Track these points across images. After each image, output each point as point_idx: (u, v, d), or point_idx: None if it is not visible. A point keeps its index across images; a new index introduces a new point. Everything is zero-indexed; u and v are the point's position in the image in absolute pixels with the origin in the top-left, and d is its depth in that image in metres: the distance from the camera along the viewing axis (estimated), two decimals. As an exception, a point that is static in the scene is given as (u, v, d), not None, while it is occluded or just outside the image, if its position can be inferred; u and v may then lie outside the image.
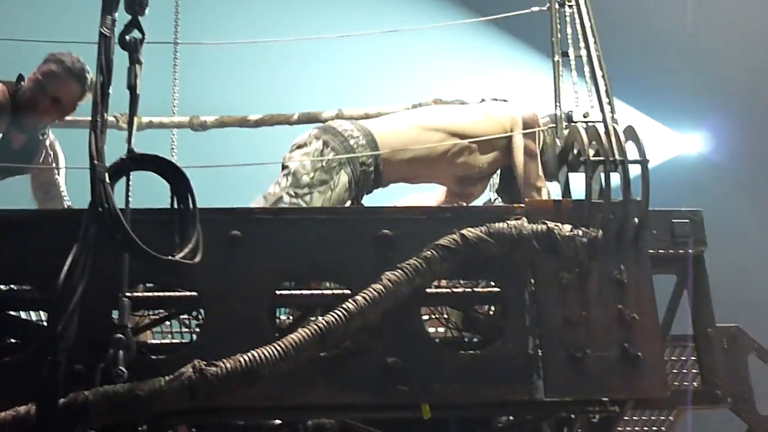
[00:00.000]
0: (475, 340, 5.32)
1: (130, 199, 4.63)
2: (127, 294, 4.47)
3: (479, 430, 5.36)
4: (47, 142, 6.66)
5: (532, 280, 4.85)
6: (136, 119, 4.78)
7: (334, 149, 5.93)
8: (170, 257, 4.50)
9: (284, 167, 5.91)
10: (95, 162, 4.37)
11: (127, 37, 4.73)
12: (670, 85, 10.48)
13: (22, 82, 6.37)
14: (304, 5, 9.75)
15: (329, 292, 5.03)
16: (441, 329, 5.43)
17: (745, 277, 9.68)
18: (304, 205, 5.73)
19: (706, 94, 10.65)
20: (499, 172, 6.29)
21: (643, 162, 4.94)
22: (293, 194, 5.76)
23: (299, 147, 6.01)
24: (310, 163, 5.84)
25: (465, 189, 6.35)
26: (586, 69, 5.34)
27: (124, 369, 4.31)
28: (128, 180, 4.66)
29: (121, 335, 4.35)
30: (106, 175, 4.40)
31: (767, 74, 10.53)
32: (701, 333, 5.36)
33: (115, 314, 4.46)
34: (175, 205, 4.71)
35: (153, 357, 4.73)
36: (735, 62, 10.61)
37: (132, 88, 4.77)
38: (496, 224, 4.84)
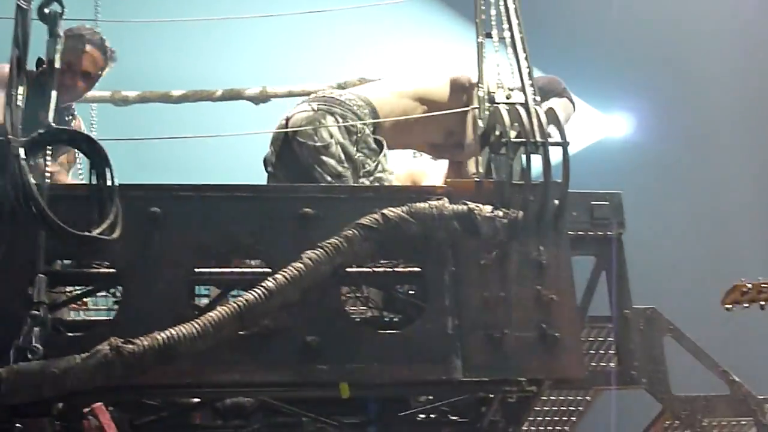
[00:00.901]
0: (395, 319, 5.32)
1: (47, 173, 4.57)
2: (44, 270, 4.42)
3: (398, 410, 5.37)
4: (74, 124, 6.50)
5: (453, 261, 4.86)
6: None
7: (353, 119, 5.91)
8: (87, 233, 4.46)
9: (303, 145, 5.84)
10: (10, 136, 4.31)
11: (46, 10, 4.67)
12: (595, 64, 10.54)
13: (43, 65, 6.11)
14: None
15: (249, 270, 5.00)
16: (361, 308, 5.43)
17: (664, 259, 9.79)
18: (382, 173, 5.78)
19: (630, 74, 10.73)
20: None
21: (564, 144, 4.97)
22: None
23: (310, 124, 5.89)
24: (343, 136, 5.81)
25: (442, 155, 6.35)
26: (510, 50, 5.34)
27: (39, 346, 4.27)
28: (45, 154, 4.61)
29: (36, 311, 4.30)
30: (22, 149, 4.34)
31: (690, 55, 10.62)
32: (618, 314, 5.41)
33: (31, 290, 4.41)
34: (94, 181, 4.66)
35: (69, 334, 4.68)
36: (659, 42, 10.69)
37: (51, 62, 4.72)
38: (418, 204, 4.84)
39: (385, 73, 7.31)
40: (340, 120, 5.88)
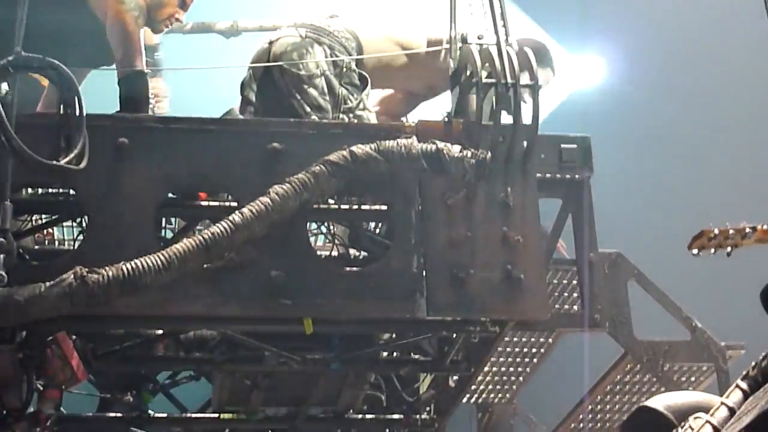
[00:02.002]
0: (361, 256, 5.33)
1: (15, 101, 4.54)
2: (10, 198, 4.39)
3: (361, 347, 5.39)
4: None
5: (420, 200, 4.86)
6: None
7: (341, 52, 5.77)
8: (55, 162, 4.44)
9: (285, 72, 5.68)
10: (-22, 63, 4.28)
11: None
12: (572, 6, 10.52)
13: None
14: None
15: (216, 203, 5.00)
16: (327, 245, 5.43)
17: (633, 204, 9.82)
18: (362, 111, 5.66)
19: (603, 14, 10.69)
20: None
21: (534, 86, 4.97)
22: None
23: (296, 50, 5.74)
24: (329, 67, 5.67)
25: (417, 104, 6.32)
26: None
27: (3, 273, 4.25)
28: (15, 82, 4.58)
29: (1, 239, 4.28)
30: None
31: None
32: (583, 257, 5.44)
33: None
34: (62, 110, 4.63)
35: (34, 262, 4.68)
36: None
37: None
38: (386, 142, 4.84)
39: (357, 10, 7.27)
40: (328, 51, 5.74)
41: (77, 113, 4.61)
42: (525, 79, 5.00)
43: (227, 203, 4.88)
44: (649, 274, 5.77)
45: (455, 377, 5.84)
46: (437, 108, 5.82)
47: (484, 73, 5.04)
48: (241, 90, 5.85)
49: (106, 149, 4.71)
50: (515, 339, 6.42)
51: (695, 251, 5.04)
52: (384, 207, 5.03)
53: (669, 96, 10.32)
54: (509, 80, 4.96)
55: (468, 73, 5.14)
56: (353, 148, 4.79)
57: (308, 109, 5.56)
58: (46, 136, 4.58)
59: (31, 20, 4.88)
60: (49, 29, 5.36)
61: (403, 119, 6.10)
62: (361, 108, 5.67)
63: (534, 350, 6.58)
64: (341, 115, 5.60)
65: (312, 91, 5.62)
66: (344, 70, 5.72)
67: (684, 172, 10.12)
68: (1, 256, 4.27)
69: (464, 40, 5.25)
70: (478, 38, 5.19)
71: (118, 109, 5.37)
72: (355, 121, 5.55)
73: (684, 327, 5.90)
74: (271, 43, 5.83)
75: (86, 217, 4.78)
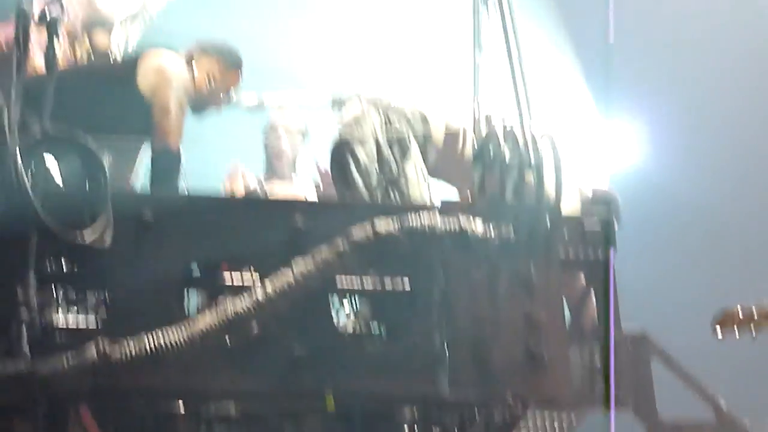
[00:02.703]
0: (383, 333, 5.32)
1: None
2: (34, 273, 4.42)
3: (383, 425, 5.36)
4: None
5: (443, 277, 4.87)
6: None
7: (396, 120, 6.04)
8: (79, 239, 4.47)
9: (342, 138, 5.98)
10: (7, 138, 4.32)
11: (47, 14, 4.69)
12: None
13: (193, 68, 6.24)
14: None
15: (239, 279, 5.00)
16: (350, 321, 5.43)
17: (657, 282, 9.78)
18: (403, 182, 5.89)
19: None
20: None
21: (557, 165, 4.99)
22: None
23: (355, 118, 6.05)
24: (383, 133, 5.95)
25: None
26: (507, 70, 5.36)
27: (27, 347, 4.27)
28: (43, 157, 4.62)
29: (24, 312, 4.31)
30: (19, 150, 4.36)
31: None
32: (607, 336, 5.42)
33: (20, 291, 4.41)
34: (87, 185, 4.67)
35: (57, 337, 4.69)
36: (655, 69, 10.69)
37: (50, 64, 4.75)
38: (410, 220, 4.85)
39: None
40: (384, 118, 6.00)
41: (102, 189, 4.65)
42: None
43: (250, 279, 4.89)
44: (673, 352, 5.74)
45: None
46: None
47: (507, 152, 5.08)
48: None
49: (131, 225, 4.74)
50: (538, 418, 6.37)
51: (720, 333, 5.02)
52: (407, 283, 5.03)
53: (696, 173, 10.31)
54: (532, 160, 4.99)
55: (491, 152, 5.17)
56: (376, 225, 4.81)
57: (355, 174, 5.82)
58: (71, 209, 4.62)
59: (80, 94, 5.04)
60: (98, 104, 5.52)
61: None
62: (402, 178, 5.84)
63: (557, 429, 6.52)
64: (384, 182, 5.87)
65: (362, 155, 5.88)
66: (396, 137, 5.92)
67: (710, 251, 10.08)
68: (24, 330, 4.30)
69: (488, 120, 5.29)
70: (501, 117, 5.23)
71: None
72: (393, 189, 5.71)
73: (709, 407, 5.85)
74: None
75: (109, 292, 4.81)
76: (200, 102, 6.08)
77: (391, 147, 5.94)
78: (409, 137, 6.00)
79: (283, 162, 7.29)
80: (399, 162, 5.91)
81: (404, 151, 5.94)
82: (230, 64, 6.25)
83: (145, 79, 5.81)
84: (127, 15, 6.80)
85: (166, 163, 5.64)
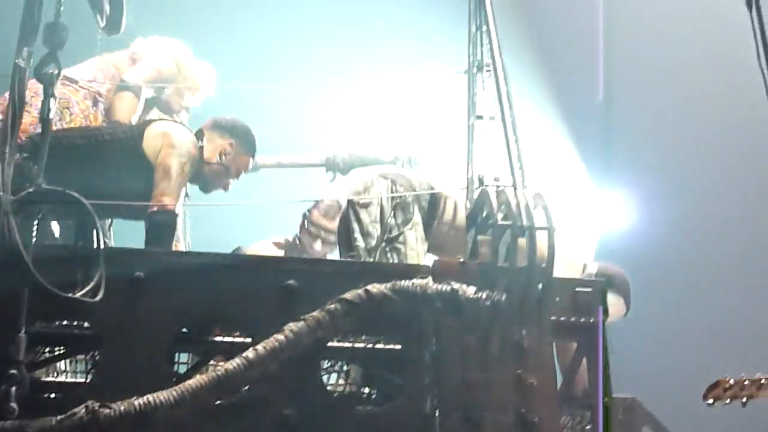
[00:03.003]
0: (374, 395, 5.30)
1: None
2: (24, 329, 4.40)
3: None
4: None
5: (434, 340, 4.85)
6: None
7: (403, 185, 6.22)
8: (71, 294, 4.45)
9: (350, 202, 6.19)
10: (0, 193, 4.31)
11: (44, 70, 4.70)
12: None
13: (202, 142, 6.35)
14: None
15: (230, 339, 4.99)
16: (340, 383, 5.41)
17: (648, 349, 9.76)
18: (401, 245, 6.02)
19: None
20: None
21: (550, 229, 4.99)
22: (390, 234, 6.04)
23: (363, 183, 6.30)
24: (388, 200, 6.10)
25: None
26: (500, 133, 5.37)
27: (15, 405, 4.24)
28: (36, 213, 4.61)
29: (14, 371, 4.28)
30: (11, 206, 4.35)
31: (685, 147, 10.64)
32: (598, 402, 5.39)
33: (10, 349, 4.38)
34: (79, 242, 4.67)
35: (46, 395, 4.65)
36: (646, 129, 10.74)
37: (45, 120, 4.75)
38: (402, 282, 4.84)
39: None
40: (390, 184, 6.21)
41: (95, 246, 4.64)
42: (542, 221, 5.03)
43: (241, 339, 4.87)
44: (664, 419, 5.72)
45: None
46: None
47: (500, 215, 5.08)
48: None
49: (122, 282, 4.73)
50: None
51: (710, 401, 5.01)
52: (398, 346, 5.02)
53: (688, 237, 10.32)
54: (525, 222, 4.99)
55: (484, 214, 5.18)
56: (369, 287, 4.80)
57: (357, 235, 6.03)
58: (62, 267, 4.60)
59: (87, 157, 5.09)
60: (104, 167, 5.76)
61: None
62: (400, 242, 5.98)
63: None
64: (383, 244, 6.01)
65: (365, 217, 6.09)
66: (400, 200, 6.10)
67: (702, 318, 10.07)
68: (13, 388, 4.27)
69: (481, 182, 5.30)
70: (495, 180, 5.24)
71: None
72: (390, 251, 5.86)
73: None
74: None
75: (99, 350, 4.78)
76: (208, 178, 6.19)
77: (394, 211, 6.02)
78: (412, 205, 6.08)
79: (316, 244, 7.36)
80: (400, 226, 5.99)
81: (407, 216, 6.02)
82: (243, 147, 6.35)
83: (149, 142, 5.97)
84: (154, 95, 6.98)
85: (162, 223, 5.70)
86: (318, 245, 7.19)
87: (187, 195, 6.61)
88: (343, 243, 6.29)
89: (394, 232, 6.01)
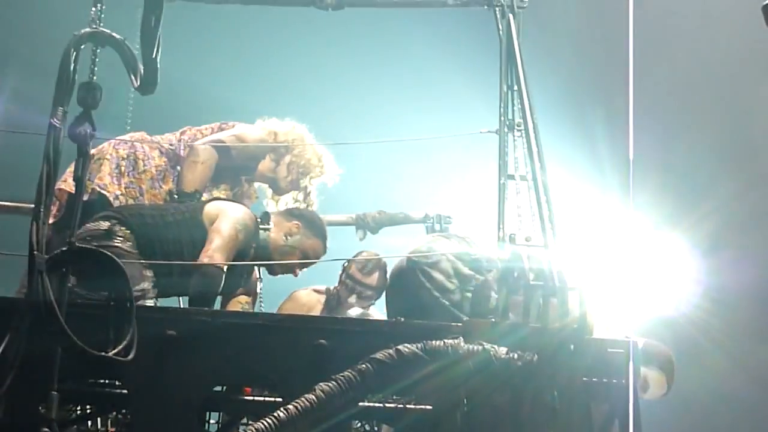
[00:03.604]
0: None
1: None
2: (57, 387, 4.41)
3: None
4: None
5: (465, 401, 4.83)
6: None
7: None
8: (103, 353, 4.46)
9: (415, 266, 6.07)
10: (35, 252, 4.33)
11: (78, 130, 4.73)
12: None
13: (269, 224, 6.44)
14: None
15: (261, 398, 4.99)
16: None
17: (680, 413, 9.70)
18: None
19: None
20: None
21: (581, 289, 4.97)
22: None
23: (426, 245, 6.27)
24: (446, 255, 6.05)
25: None
26: (531, 193, 5.38)
27: (47, 463, 4.24)
28: (68, 272, 4.63)
29: (47, 429, 4.28)
30: (45, 265, 4.36)
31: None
32: (630, 463, 5.36)
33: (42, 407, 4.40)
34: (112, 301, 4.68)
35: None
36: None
37: (79, 180, 4.77)
38: (433, 342, 4.84)
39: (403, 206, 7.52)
40: (455, 243, 6.17)
41: (127, 305, 4.66)
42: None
43: (272, 399, 4.87)
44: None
45: None
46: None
47: (531, 275, 5.07)
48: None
49: (154, 341, 4.74)
50: None
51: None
52: (429, 406, 5.00)
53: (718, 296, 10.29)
54: (556, 282, 4.98)
55: (515, 274, 5.17)
56: (400, 347, 4.79)
57: (436, 293, 5.91)
58: (95, 325, 4.61)
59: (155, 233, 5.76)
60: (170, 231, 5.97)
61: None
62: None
63: None
64: (466, 293, 5.92)
65: (437, 276, 5.97)
66: (471, 258, 6.06)
67: (735, 380, 10.00)
68: (46, 446, 4.27)
69: (512, 241, 5.30)
70: (526, 240, 5.24)
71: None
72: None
73: None
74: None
75: (130, 409, 4.79)
76: (275, 261, 6.33)
77: (466, 264, 6.00)
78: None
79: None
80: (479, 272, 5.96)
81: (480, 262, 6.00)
82: (311, 230, 6.40)
83: (208, 216, 6.13)
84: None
85: (207, 275, 5.77)
86: (353, 299, 7.18)
87: (260, 278, 6.78)
88: (395, 303, 6.27)
89: (477, 281, 5.94)
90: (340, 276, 7.27)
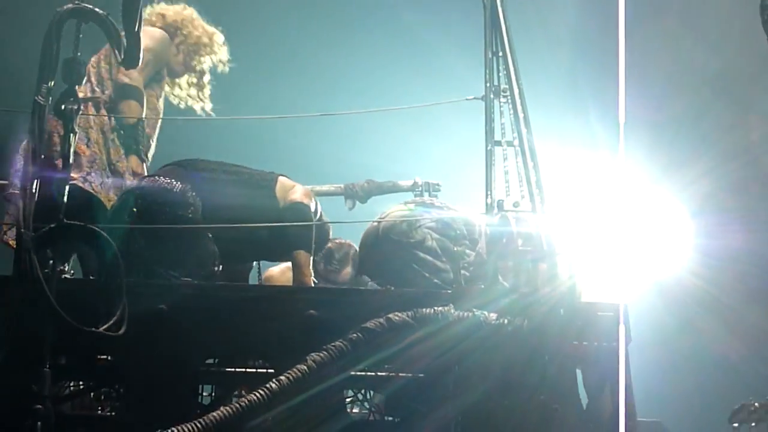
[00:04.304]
0: (397, 422, 5.29)
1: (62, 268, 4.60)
2: (48, 364, 4.41)
3: None
4: None
5: (456, 367, 4.85)
6: None
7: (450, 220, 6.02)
8: (94, 328, 4.46)
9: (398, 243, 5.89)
10: (22, 230, 4.33)
11: (63, 107, 4.71)
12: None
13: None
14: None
15: (254, 370, 5.00)
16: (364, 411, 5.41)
17: (672, 373, 9.72)
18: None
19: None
20: None
21: (570, 254, 4.99)
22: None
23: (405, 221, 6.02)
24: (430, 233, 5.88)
25: None
26: (518, 158, 5.38)
27: (41, 440, 4.24)
28: (56, 248, 4.62)
29: (40, 406, 4.29)
30: (32, 243, 4.36)
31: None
32: (623, 426, 5.37)
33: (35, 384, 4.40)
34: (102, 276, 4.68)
35: (72, 429, 4.67)
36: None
37: (65, 157, 4.76)
38: (423, 309, 4.85)
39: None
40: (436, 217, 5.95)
41: (118, 279, 4.66)
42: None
43: (264, 370, 4.88)
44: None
45: None
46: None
47: (520, 241, 5.08)
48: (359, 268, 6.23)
49: (145, 315, 4.74)
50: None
51: (736, 425, 5.00)
52: (420, 373, 5.01)
53: (710, 257, 10.31)
54: (545, 247, 4.99)
55: (504, 240, 5.18)
56: (390, 315, 4.80)
57: (427, 274, 5.73)
58: (85, 301, 4.62)
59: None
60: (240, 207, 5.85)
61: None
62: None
63: None
64: (462, 271, 5.73)
65: (427, 257, 5.78)
66: (456, 233, 5.86)
67: (725, 342, 10.03)
68: (39, 423, 4.27)
69: (500, 207, 5.30)
70: (514, 205, 5.24)
71: None
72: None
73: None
74: (379, 221, 6.04)
75: (124, 384, 4.80)
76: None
77: (453, 241, 5.87)
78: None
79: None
80: (471, 246, 5.85)
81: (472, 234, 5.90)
82: None
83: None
84: None
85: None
86: None
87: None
88: (373, 269, 6.06)
89: (469, 256, 5.79)
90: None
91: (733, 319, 10.02)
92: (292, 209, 5.92)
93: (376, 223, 6.04)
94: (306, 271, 5.93)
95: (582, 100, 10.40)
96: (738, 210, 10.35)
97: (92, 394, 5.45)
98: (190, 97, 7.04)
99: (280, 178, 6.14)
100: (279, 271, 7.31)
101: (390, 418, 5.35)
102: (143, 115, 6.61)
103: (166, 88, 6.96)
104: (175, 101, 7.01)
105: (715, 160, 10.45)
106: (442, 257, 5.80)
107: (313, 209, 6.06)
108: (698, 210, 10.41)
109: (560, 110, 9.91)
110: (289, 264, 7.17)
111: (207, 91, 7.03)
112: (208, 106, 7.07)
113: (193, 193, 5.64)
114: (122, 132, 6.49)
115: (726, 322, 10.02)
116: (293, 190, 6.02)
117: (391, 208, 6.13)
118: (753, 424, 5.00)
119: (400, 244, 5.85)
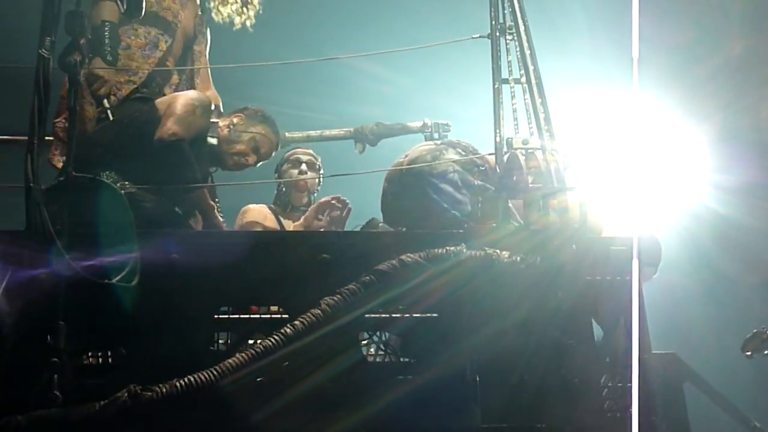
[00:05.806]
0: (413, 364, 5.31)
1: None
2: (64, 317, 4.43)
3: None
4: None
5: (470, 306, 4.85)
6: None
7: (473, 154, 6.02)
8: (107, 280, 4.48)
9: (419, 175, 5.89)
10: (31, 185, 4.34)
11: (68, 59, 4.71)
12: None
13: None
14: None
15: (268, 316, 5.02)
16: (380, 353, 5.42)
17: (686, 304, 9.73)
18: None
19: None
20: None
21: (581, 190, 4.98)
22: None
23: (430, 154, 6.01)
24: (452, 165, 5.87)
25: None
26: (527, 96, 5.35)
27: (58, 393, 4.28)
28: (66, 202, 4.63)
29: (56, 359, 4.32)
30: (42, 197, 4.37)
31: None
32: (637, 360, 5.38)
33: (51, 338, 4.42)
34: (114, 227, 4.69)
35: (88, 381, 4.70)
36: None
37: (72, 109, 4.76)
38: (435, 250, 4.85)
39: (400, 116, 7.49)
40: (462, 152, 5.95)
41: (128, 231, 4.67)
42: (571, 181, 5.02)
43: (279, 316, 4.90)
44: (704, 373, 5.70)
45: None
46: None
47: (530, 178, 5.07)
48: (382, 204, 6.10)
49: (159, 264, 4.75)
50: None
51: (749, 353, 5.01)
52: (434, 314, 5.02)
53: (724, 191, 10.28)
54: (555, 184, 4.98)
55: (514, 177, 5.17)
56: (402, 256, 4.80)
57: (446, 206, 5.73)
58: (98, 253, 4.63)
59: None
60: None
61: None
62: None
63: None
64: (480, 204, 5.75)
65: (447, 188, 5.78)
66: (480, 168, 5.86)
67: (739, 272, 10.02)
68: (56, 375, 4.31)
69: (509, 145, 5.28)
70: (523, 142, 5.22)
71: None
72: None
73: (743, 427, 5.81)
74: (406, 155, 6.03)
75: (138, 334, 4.81)
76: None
77: (477, 176, 5.85)
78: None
79: (303, 194, 7.33)
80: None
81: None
82: (256, 120, 6.31)
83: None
84: None
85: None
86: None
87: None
88: (396, 213, 6.03)
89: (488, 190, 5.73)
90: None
91: (747, 253, 10.00)
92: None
93: (402, 159, 6.03)
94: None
95: (594, 31, 10.31)
96: (756, 144, 10.30)
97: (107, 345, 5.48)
98: (233, 12, 6.92)
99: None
100: (257, 207, 7.28)
101: (405, 359, 5.38)
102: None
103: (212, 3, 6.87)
104: (217, 18, 6.90)
105: (732, 93, 10.39)
106: (462, 189, 5.79)
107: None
108: (715, 140, 10.36)
109: (572, 48, 9.84)
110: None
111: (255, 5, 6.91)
112: (250, 21, 6.96)
113: None
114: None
115: (740, 255, 10.00)
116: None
117: (417, 145, 6.15)
118: (766, 352, 5.01)
119: (421, 174, 5.85)
